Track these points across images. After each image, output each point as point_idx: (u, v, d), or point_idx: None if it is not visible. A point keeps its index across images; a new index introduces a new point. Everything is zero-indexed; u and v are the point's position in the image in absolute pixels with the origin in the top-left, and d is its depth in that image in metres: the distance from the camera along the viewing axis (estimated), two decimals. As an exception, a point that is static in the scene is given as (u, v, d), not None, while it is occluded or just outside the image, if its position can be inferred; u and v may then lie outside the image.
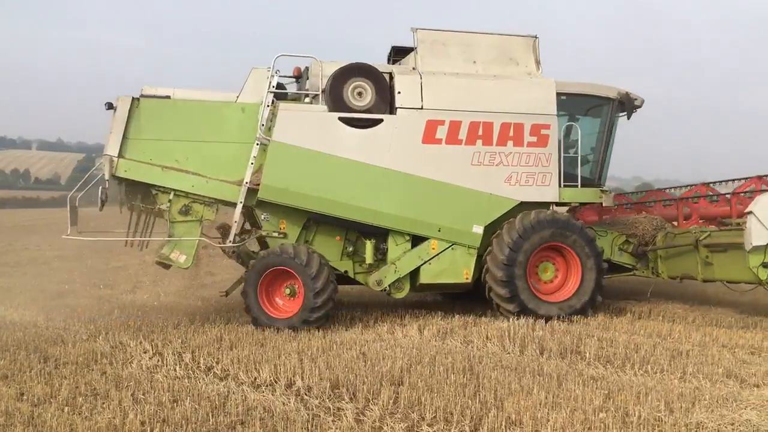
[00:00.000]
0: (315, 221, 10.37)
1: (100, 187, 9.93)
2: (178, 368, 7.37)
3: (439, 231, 10.31)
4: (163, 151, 9.84)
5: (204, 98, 10.33)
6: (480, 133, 10.44)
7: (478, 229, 10.40)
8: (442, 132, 10.32)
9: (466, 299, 12.12)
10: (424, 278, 10.40)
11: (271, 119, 9.92)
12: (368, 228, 10.32)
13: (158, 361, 7.74)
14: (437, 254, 10.36)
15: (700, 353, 7.87)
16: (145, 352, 8.10)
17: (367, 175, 10.07)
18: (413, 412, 5.80)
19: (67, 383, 6.66)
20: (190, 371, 7.30)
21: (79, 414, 5.82)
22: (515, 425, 5.44)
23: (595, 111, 11.61)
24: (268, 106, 9.91)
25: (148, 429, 5.42)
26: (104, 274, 17.77)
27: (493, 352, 8.15)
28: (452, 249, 10.40)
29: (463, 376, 6.80)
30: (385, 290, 10.38)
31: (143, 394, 6.36)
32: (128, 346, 8.43)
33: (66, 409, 5.93)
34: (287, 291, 9.84)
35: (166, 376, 7.05)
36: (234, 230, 10.08)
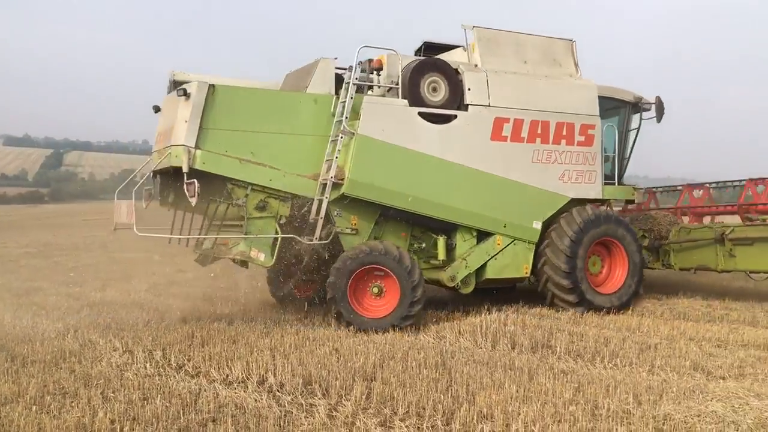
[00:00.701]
0: (384, 217, 10.24)
1: (185, 182, 9.11)
2: (148, 366, 7.28)
3: (504, 227, 10.53)
4: (239, 142, 9.35)
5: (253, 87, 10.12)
6: (539, 131, 10.78)
7: (538, 225, 10.74)
8: (507, 129, 10.55)
9: (436, 294, 12.18)
10: (490, 273, 10.55)
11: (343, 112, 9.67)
12: (436, 224, 10.31)
13: (128, 359, 7.65)
14: (501, 250, 10.56)
15: (668, 346, 8.00)
16: (114, 350, 8.00)
17: (443, 171, 10.12)
18: (386, 408, 5.81)
19: (35, 382, 6.54)
20: (160, 369, 7.23)
21: (48, 413, 5.73)
22: (486, 419, 5.48)
23: (612, 113, 12.03)
24: (351, 98, 9.62)
25: (118, 427, 5.36)
26: (73, 272, 17.53)
27: (465, 347, 8.20)
28: (514, 244, 10.63)
29: (436, 371, 6.83)
30: (456, 286, 10.40)
31: (113, 393, 6.29)
32: (97, 344, 8.32)
33: (34, 408, 5.83)
34: (374, 290, 9.58)
35: (136, 374, 6.98)
36: (319, 227, 9.57)
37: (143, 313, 10.59)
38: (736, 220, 12.62)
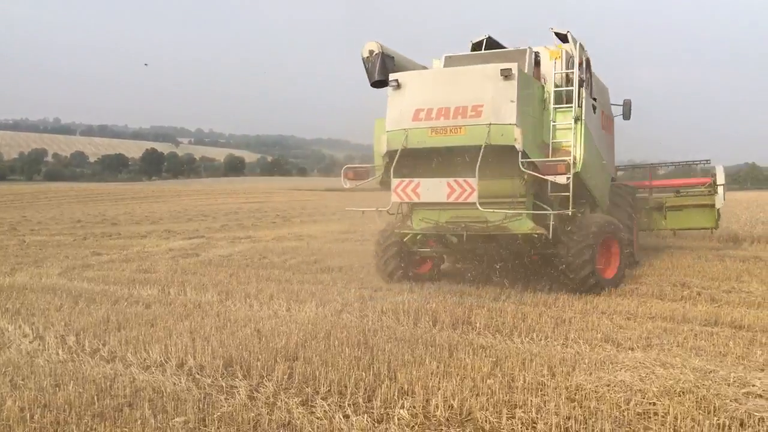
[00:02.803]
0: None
1: (521, 160, 9.67)
2: (61, 352, 7.05)
3: (604, 201, 12.28)
4: (524, 122, 9.83)
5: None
6: (607, 122, 13.09)
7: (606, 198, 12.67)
8: (602, 120, 12.56)
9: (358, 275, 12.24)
10: None
11: (547, 99, 10.72)
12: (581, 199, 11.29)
13: (39, 345, 7.38)
14: None
15: (581, 320, 8.30)
16: (24, 336, 7.71)
17: (596, 155, 11.52)
18: (308, 387, 5.81)
19: (-64, 371, 6.23)
20: (74, 354, 7.00)
21: (-49, 403, 5.46)
22: (407, 395, 5.57)
23: None
24: (579, 88, 10.78)
25: (28, 415, 5.16)
26: (-21, 256, 16.67)
27: (387, 325, 8.26)
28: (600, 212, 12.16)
29: (358, 350, 6.87)
30: None
31: (22, 380, 6.06)
32: (6, 331, 8.00)
33: (-65, 398, 5.54)
34: None
35: (48, 361, 6.74)
36: (571, 200, 10.05)
37: (56, 298, 10.20)
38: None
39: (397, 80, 10.30)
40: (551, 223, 10.02)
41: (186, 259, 15.35)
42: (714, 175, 14.57)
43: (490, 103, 9.66)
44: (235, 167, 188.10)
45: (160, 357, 6.74)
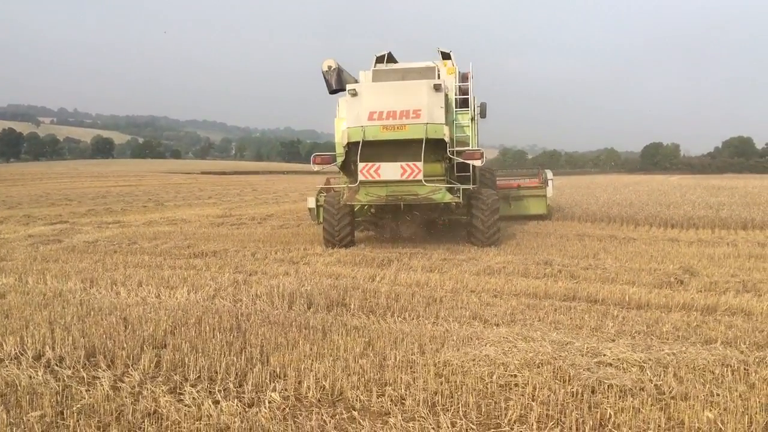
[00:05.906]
0: None
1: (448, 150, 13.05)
2: None
3: None
4: (447, 121, 13.06)
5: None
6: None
7: None
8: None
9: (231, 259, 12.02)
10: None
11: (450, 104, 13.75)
12: None
13: None
14: None
15: (452, 299, 8.58)
16: None
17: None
18: (176, 374, 5.66)
19: None
20: None
21: None
22: (279, 378, 5.55)
23: None
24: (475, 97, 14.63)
25: None
26: None
27: (261, 309, 8.17)
28: None
29: (230, 334, 6.76)
30: None
31: None
32: None
33: None
34: None
35: None
36: (473, 179, 13.73)
37: None
38: None
39: (355, 89, 12.92)
40: (460, 194, 12.86)
41: (47, 246, 14.46)
42: (543, 175, 19.56)
43: (426, 108, 12.52)
44: (103, 149, 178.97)
45: (14, 349, 6.33)
